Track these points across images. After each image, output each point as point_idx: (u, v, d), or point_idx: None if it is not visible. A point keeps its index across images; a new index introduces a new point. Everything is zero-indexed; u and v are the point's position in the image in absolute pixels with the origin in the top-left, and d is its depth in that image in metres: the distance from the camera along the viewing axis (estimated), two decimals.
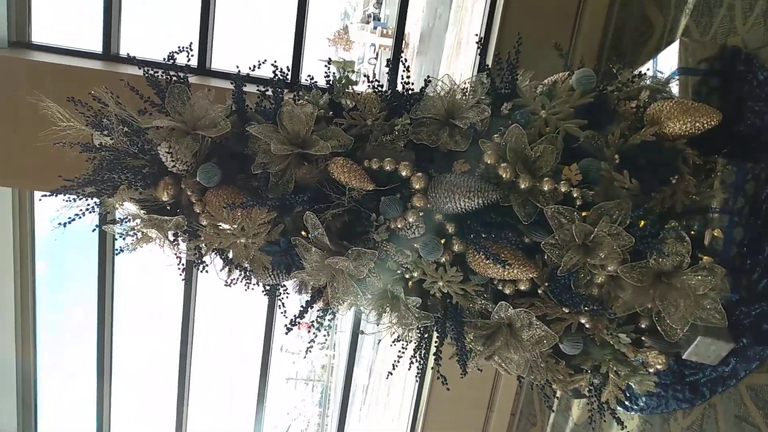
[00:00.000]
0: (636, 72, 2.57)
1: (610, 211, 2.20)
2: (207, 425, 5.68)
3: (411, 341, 2.72)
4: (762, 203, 2.33)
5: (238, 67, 2.56)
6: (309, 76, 3.05)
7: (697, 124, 2.26)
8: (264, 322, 4.46)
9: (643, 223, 2.21)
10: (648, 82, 2.65)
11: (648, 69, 2.89)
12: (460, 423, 4.80)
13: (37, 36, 4.03)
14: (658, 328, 2.22)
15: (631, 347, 2.35)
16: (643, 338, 2.39)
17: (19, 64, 3.60)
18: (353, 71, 2.77)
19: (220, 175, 2.44)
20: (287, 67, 4.08)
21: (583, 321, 2.37)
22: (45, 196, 2.44)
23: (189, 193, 2.47)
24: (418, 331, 2.68)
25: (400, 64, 2.54)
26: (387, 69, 2.63)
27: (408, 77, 2.55)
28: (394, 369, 2.87)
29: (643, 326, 2.38)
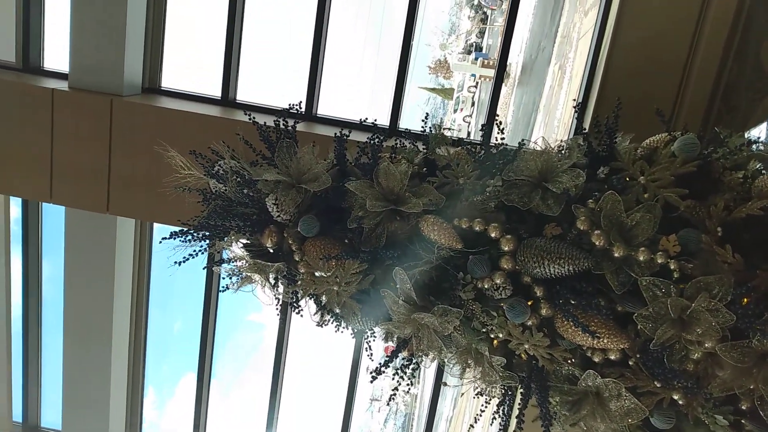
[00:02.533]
0: (746, 138, 2.46)
1: (709, 286, 2.12)
2: None
3: (494, 397, 2.73)
4: None
5: (341, 129, 2.74)
6: (406, 130, 3.19)
7: None
8: (350, 362, 4.60)
9: (746, 300, 2.10)
10: (760, 147, 2.53)
11: (761, 132, 2.75)
12: None
13: (166, 82, 4.49)
14: (761, 412, 2.09)
15: (730, 429, 2.22)
16: (743, 421, 2.25)
17: (150, 109, 4.03)
18: (449, 128, 2.85)
19: (318, 227, 2.61)
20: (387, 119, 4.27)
21: (676, 397, 2.27)
22: (164, 238, 2.72)
23: (290, 242, 2.66)
24: (502, 388, 2.69)
25: (495, 126, 2.60)
26: (481, 129, 2.69)
27: (503, 138, 2.61)
28: (476, 422, 2.89)
29: (743, 408, 2.24)
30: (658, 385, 2.26)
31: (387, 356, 2.60)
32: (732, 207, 2.22)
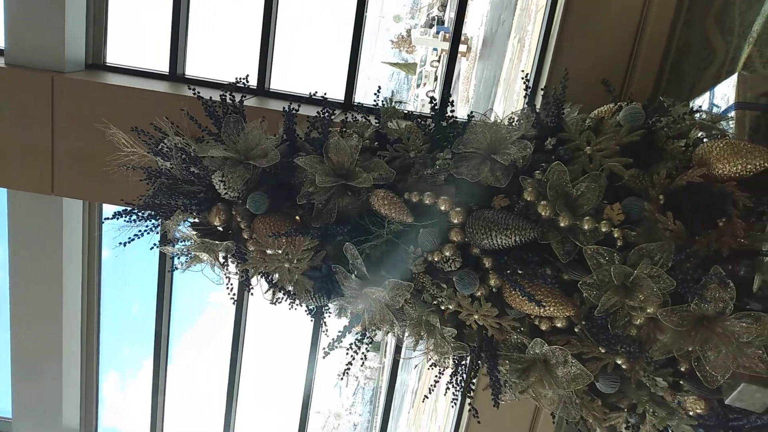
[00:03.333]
0: (689, 106, 2.50)
1: (651, 253, 2.17)
2: (255, 424, 5.88)
3: (448, 367, 2.76)
4: None
5: (290, 104, 2.68)
6: (358, 104, 3.14)
7: (749, 166, 2.18)
8: (310, 339, 4.58)
9: (686, 266, 2.16)
10: (702, 116, 2.58)
11: (704, 101, 2.81)
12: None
13: (111, 57, 4.32)
14: (698, 373, 2.16)
15: (669, 391, 2.30)
16: (681, 382, 2.33)
17: (94, 86, 3.87)
18: (400, 102, 2.82)
19: (268, 204, 2.56)
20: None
21: (619, 362, 2.34)
22: (107, 219, 2.63)
23: (239, 220, 2.61)
24: (454, 358, 2.72)
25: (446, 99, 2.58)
26: (431, 102, 2.66)
27: (453, 111, 2.59)
28: (430, 393, 2.92)
29: (682, 370, 2.32)
30: (603, 351, 2.32)
31: (339, 332, 2.60)
32: (674, 175, 2.27)
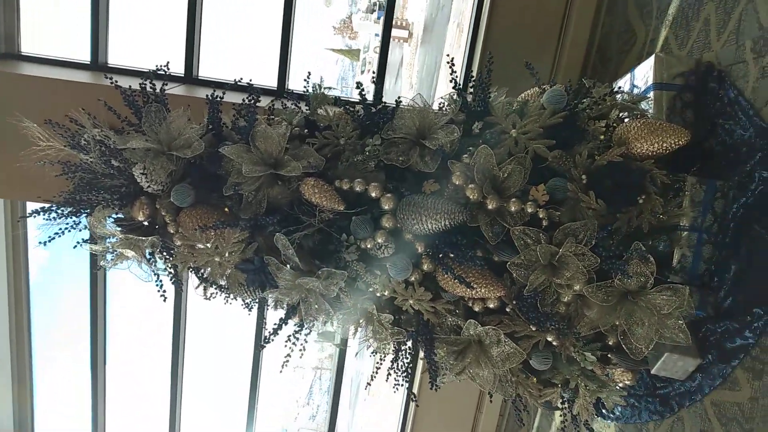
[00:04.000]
0: (610, 87, 2.56)
1: (575, 231, 2.22)
2: (201, 422, 5.78)
3: (388, 353, 2.77)
4: (730, 221, 2.34)
5: (214, 90, 2.59)
6: (287, 90, 3.08)
7: (665, 144, 2.26)
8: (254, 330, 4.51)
9: (609, 243, 2.23)
10: (624, 96, 2.65)
11: (625, 82, 2.89)
12: (450, 422, 4.85)
13: (26, 47, 4.07)
14: (624, 346, 2.24)
15: (599, 364, 2.38)
16: (609, 356, 2.41)
17: (7, 77, 3.64)
18: (329, 88, 2.78)
19: (193, 196, 2.48)
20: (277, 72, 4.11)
21: (550, 339, 2.40)
22: (23, 217, 2.49)
23: (164, 214, 2.52)
24: (394, 344, 2.72)
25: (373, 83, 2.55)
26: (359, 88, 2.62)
27: (381, 97, 2.57)
28: (372, 380, 2.92)
29: (610, 344, 2.40)
30: (534, 329, 2.37)
31: (275, 324, 2.56)
32: (596, 155, 2.32)
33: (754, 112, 2.32)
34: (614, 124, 2.40)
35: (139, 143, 2.46)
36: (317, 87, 2.75)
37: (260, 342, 2.65)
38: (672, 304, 2.17)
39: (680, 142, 2.27)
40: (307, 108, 2.76)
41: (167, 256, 2.62)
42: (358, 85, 2.48)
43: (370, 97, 2.89)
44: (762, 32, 2.32)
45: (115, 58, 4.20)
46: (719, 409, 2.30)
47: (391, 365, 2.76)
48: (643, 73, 2.72)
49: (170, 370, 4.76)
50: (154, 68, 2.69)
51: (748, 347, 2.19)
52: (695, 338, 2.44)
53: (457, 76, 2.52)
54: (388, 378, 2.78)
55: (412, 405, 4.83)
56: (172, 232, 2.51)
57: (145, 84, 2.63)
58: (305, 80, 2.85)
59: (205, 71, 4.24)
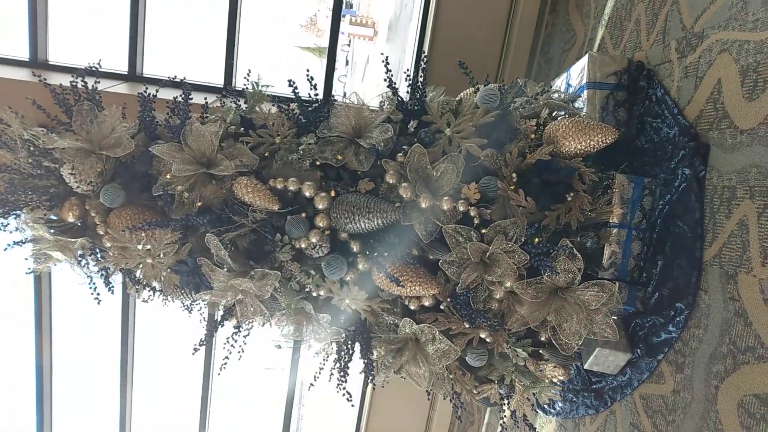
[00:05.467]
0: (542, 86, 2.60)
1: (506, 229, 2.25)
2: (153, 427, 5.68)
3: (331, 354, 2.76)
4: (657, 218, 2.40)
5: (146, 88, 2.54)
6: (226, 88, 3.03)
7: (592, 143, 2.31)
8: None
9: (538, 240, 2.26)
10: (557, 96, 2.69)
11: (562, 81, 2.93)
12: (405, 418, 4.87)
13: None
14: (554, 342, 2.28)
15: (531, 360, 2.42)
16: (541, 351, 2.45)
17: None
18: (267, 86, 2.75)
19: (123, 196, 2.43)
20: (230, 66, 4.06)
21: (483, 335, 2.42)
22: None
23: (93, 214, 2.46)
24: (336, 344, 2.71)
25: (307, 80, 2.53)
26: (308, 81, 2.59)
27: (316, 95, 2.56)
28: (315, 380, 2.91)
29: (542, 339, 2.44)
30: (467, 326, 2.39)
31: (208, 327, 2.53)
32: (527, 153, 2.35)
33: (679, 110, 2.38)
34: (545, 123, 2.43)
35: (69, 142, 2.40)
36: (255, 85, 2.73)
37: (201, 344, 2.60)
38: (599, 299, 2.21)
39: (607, 141, 2.31)
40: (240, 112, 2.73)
41: (99, 258, 2.56)
42: (290, 83, 2.46)
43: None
44: (685, 33, 2.38)
45: (57, 56, 4.08)
46: (647, 402, 2.36)
47: (334, 365, 2.75)
48: (578, 72, 2.77)
49: (120, 374, 4.67)
50: (88, 65, 2.63)
51: (671, 341, 2.25)
52: (625, 333, 2.49)
53: (392, 75, 2.51)
54: (330, 378, 2.78)
55: (368, 400, 4.83)
56: (101, 233, 2.46)
57: (76, 82, 2.57)
58: (245, 78, 2.82)
59: (153, 69, 4.16)
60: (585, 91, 2.70)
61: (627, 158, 2.52)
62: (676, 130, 2.37)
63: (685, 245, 2.23)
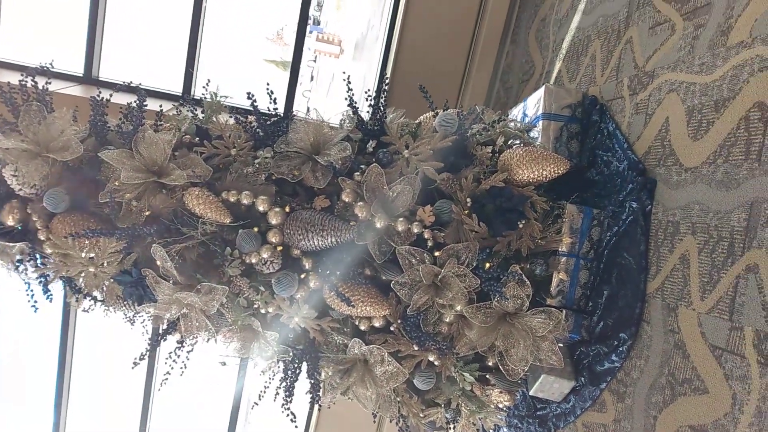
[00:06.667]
0: (499, 115, 2.65)
1: (458, 253, 2.26)
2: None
3: (277, 372, 2.70)
4: (604, 249, 2.46)
5: (99, 92, 2.48)
6: (183, 96, 2.98)
7: (545, 172, 2.36)
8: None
9: (489, 265, 2.28)
10: (513, 125, 2.75)
11: (519, 111, 3.00)
12: (353, 427, 4.77)
13: None
14: (501, 368, 2.29)
15: (478, 385, 2.43)
16: (488, 376, 2.46)
17: None
18: (226, 96, 2.71)
19: (68, 202, 2.34)
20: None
21: (431, 359, 2.42)
22: None
23: (35, 219, 2.36)
24: (283, 363, 2.65)
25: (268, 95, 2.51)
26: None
27: (276, 109, 2.54)
28: (260, 399, 2.84)
29: (489, 364, 2.45)
30: (417, 348, 2.39)
31: (149, 341, 2.44)
32: (482, 179, 2.39)
33: (629, 145, 2.46)
34: (500, 151, 2.47)
35: (13, 143, 2.31)
36: (213, 95, 2.69)
37: (142, 358, 2.51)
38: (546, 326, 2.25)
39: (559, 171, 2.37)
40: (195, 122, 2.69)
41: (39, 265, 2.45)
42: (249, 95, 2.44)
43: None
44: (637, 71, 2.48)
45: (8, 53, 3.94)
46: (589, 429, 2.39)
47: (280, 384, 2.70)
48: (534, 103, 2.84)
49: (56, 383, 4.46)
50: (40, 65, 2.54)
51: (614, 370, 2.29)
52: (570, 361, 2.53)
53: (353, 95, 2.52)
54: (276, 397, 2.72)
55: (314, 421, 4.75)
56: (42, 239, 2.36)
57: (26, 81, 2.48)
58: (204, 87, 2.78)
59: (109, 73, 4.06)
60: (540, 122, 2.77)
61: (578, 189, 2.58)
62: (625, 164, 2.45)
63: (630, 277, 2.29)
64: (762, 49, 1.79)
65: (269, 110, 2.63)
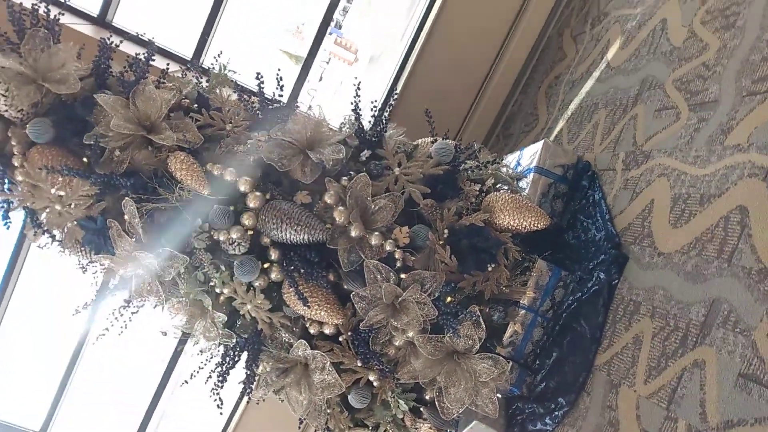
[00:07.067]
0: (494, 157, 2.69)
1: (424, 280, 2.27)
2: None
3: (216, 355, 2.65)
4: (563, 311, 2.48)
5: (110, 36, 2.44)
6: (192, 61, 2.96)
7: (525, 223, 2.39)
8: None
9: (450, 300, 2.29)
10: (505, 170, 2.78)
11: (514, 158, 3.04)
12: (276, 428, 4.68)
13: None
14: (437, 404, 2.28)
15: (411, 415, 2.41)
16: (422, 409, 2.45)
17: None
18: (234, 72, 2.70)
19: (51, 134, 2.30)
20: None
21: (372, 378, 2.40)
22: None
23: (14, 144, 2.31)
24: (224, 347, 2.61)
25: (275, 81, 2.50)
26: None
27: (281, 95, 2.53)
28: (191, 378, 2.78)
29: (426, 397, 2.45)
30: (360, 364, 2.37)
31: (95, 293, 2.39)
32: (463, 214, 2.40)
33: (610, 217, 2.50)
34: (487, 191, 2.50)
35: (11, 63, 2.26)
36: (222, 66, 2.67)
37: (85, 307, 2.46)
38: (491, 373, 2.25)
39: (539, 225, 2.40)
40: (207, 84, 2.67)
41: (5, 190, 2.39)
42: (258, 75, 2.43)
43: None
44: (634, 148, 2.54)
45: None
46: None
47: (216, 368, 2.64)
48: (531, 154, 2.88)
49: None
50: None
51: None
52: (505, 413, 2.54)
53: (359, 101, 2.53)
54: (207, 381, 2.66)
55: (239, 413, 4.65)
56: (16, 165, 2.30)
57: (39, 6, 2.44)
58: (215, 57, 2.76)
59: (124, 20, 4.01)
60: (532, 174, 2.80)
61: (552, 247, 2.61)
62: (603, 234, 2.49)
63: (581, 345, 2.31)
64: (756, 156, 1.85)
65: (273, 96, 2.63)
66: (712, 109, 2.17)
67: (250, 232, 2.32)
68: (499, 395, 2.45)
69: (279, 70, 2.53)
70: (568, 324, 2.46)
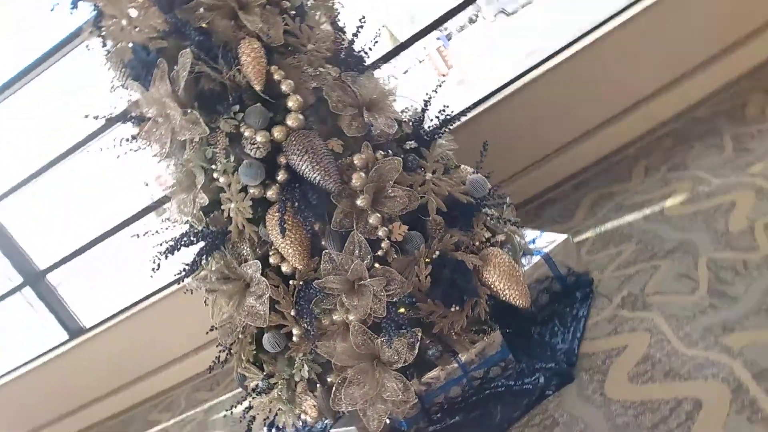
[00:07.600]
0: (516, 220, 2.69)
1: (392, 280, 2.26)
2: None
3: (175, 230, 2.65)
4: (487, 391, 2.45)
5: None
6: None
7: (508, 292, 2.38)
8: None
9: (403, 311, 2.28)
10: (519, 238, 2.77)
11: (534, 234, 3.02)
12: (175, 333, 4.65)
13: None
14: (334, 390, 2.27)
15: (305, 384, 2.41)
16: (318, 385, 2.45)
17: None
18: (340, 3, 2.70)
19: None
20: None
21: (294, 332, 2.40)
22: None
23: None
24: (188, 227, 2.61)
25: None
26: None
27: (371, 49, 2.56)
28: (137, 237, 2.79)
29: (329, 380, 2.44)
30: (292, 314, 2.37)
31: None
32: (460, 249, 2.40)
33: (580, 337, 2.49)
34: (493, 244, 2.50)
35: None
36: None
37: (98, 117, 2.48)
38: (395, 395, 2.24)
39: (517, 302, 2.39)
40: None
41: None
42: (361, 19, 2.46)
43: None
44: (638, 293, 2.54)
45: None
46: None
47: (168, 240, 2.62)
48: (548, 240, 2.87)
49: None
50: None
51: None
52: None
53: (434, 97, 2.55)
54: (153, 248, 2.65)
55: (174, 286, 4.59)
56: None
57: None
58: None
59: None
60: (538, 257, 2.79)
61: (514, 330, 2.58)
62: (565, 347, 2.48)
63: (486, 426, 2.31)
64: (739, 367, 1.89)
65: (362, 50, 2.65)
66: (728, 305, 2.19)
67: (273, 143, 2.31)
68: (389, 420, 2.44)
69: (381, 27, 2.54)
70: (485, 402, 2.44)
